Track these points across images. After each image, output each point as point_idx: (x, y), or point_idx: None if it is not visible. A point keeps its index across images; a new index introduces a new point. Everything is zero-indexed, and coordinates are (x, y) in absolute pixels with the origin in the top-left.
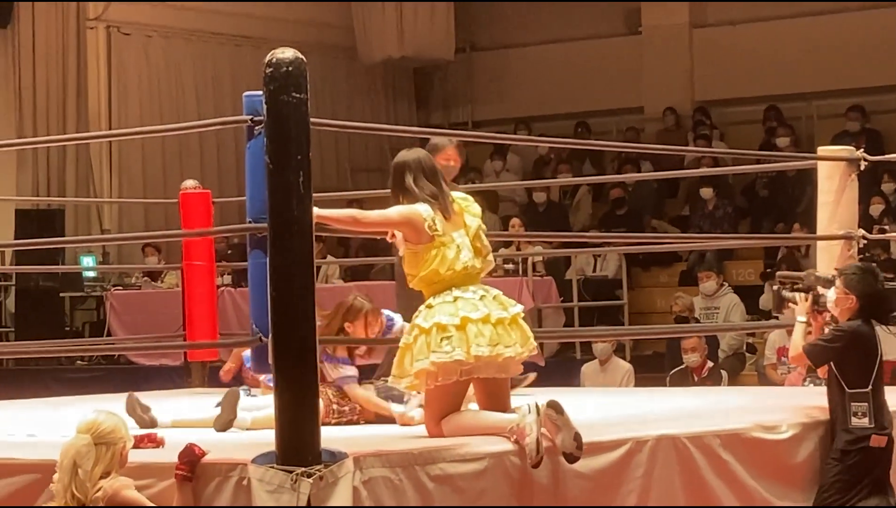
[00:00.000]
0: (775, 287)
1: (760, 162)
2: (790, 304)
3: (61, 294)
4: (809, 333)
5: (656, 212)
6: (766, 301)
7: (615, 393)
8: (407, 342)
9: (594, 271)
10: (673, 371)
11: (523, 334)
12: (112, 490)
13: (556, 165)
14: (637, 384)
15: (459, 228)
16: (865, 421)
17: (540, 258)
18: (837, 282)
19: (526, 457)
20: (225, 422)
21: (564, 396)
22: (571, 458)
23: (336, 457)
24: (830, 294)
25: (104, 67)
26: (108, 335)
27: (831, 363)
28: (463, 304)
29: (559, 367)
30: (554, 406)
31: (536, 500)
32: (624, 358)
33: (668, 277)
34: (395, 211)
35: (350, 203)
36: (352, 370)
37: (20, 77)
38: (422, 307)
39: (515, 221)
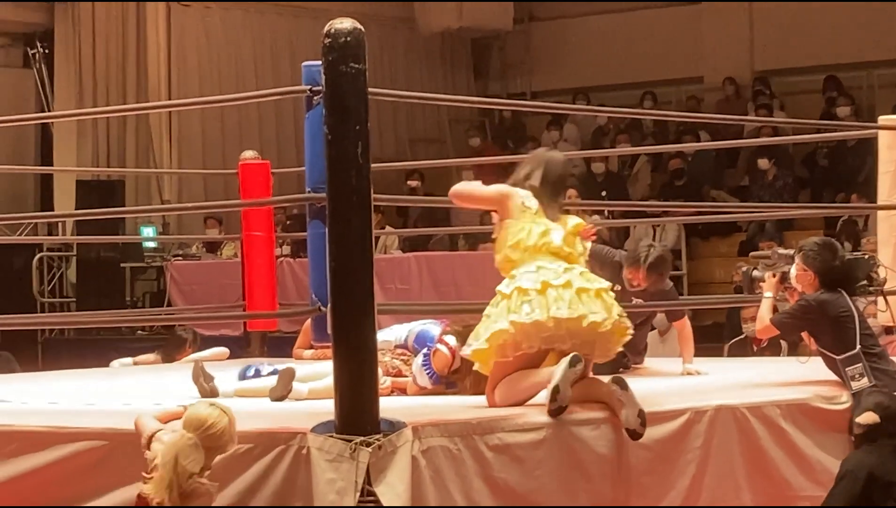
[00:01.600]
0: (744, 268)
1: (820, 132)
2: (760, 283)
3: (122, 265)
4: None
5: (715, 182)
6: None
7: (675, 364)
8: (488, 311)
9: (653, 241)
10: (732, 341)
11: (607, 306)
12: (194, 492)
13: (615, 135)
14: (696, 355)
15: (556, 222)
16: (865, 381)
17: (598, 228)
18: (797, 258)
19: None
20: (278, 396)
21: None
22: (635, 435)
23: (395, 426)
24: (792, 271)
25: (163, 39)
26: (168, 305)
27: (812, 339)
28: (545, 272)
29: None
30: (618, 382)
31: (594, 470)
32: None
33: (727, 247)
34: (493, 188)
35: (409, 174)
36: (428, 382)
37: (80, 50)
38: (506, 279)
39: (571, 191)
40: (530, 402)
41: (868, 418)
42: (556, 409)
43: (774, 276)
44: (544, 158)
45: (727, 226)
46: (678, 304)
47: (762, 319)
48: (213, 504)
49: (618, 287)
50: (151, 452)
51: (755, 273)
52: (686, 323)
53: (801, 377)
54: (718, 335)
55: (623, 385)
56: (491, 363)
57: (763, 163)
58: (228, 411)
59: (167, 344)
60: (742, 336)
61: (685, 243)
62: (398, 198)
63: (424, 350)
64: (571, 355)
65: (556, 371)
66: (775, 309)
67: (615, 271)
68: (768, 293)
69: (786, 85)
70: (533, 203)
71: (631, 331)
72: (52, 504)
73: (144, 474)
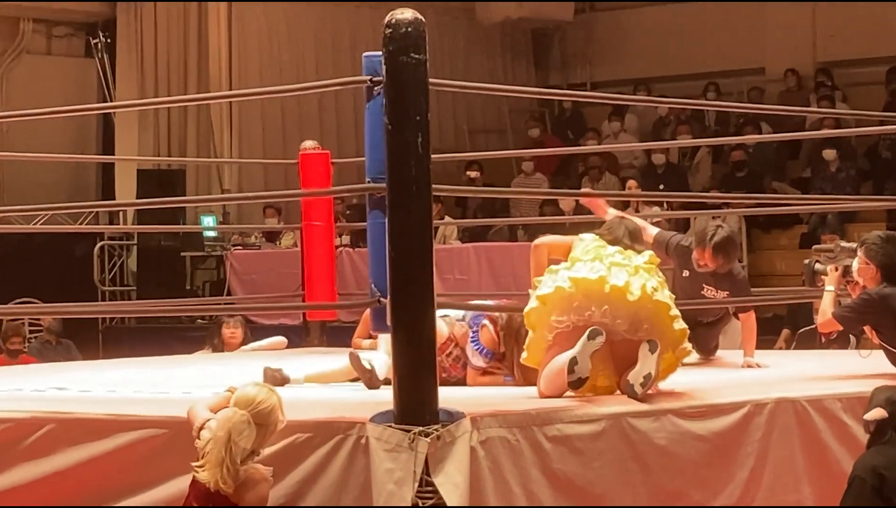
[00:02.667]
0: (807, 261)
1: (883, 124)
2: (822, 276)
3: (182, 254)
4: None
5: (777, 174)
6: None
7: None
8: None
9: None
10: (801, 331)
11: (640, 278)
12: (250, 478)
13: (676, 126)
14: (756, 347)
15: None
16: None
17: (658, 220)
18: (859, 252)
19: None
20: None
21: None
22: (629, 392)
23: (453, 417)
24: (854, 264)
25: (225, 30)
26: (228, 293)
27: (874, 333)
28: (579, 250)
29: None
30: (650, 343)
31: (652, 462)
32: None
33: (788, 239)
34: (567, 239)
35: (468, 164)
36: (482, 360)
37: (142, 40)
38: None
39: (632, 182)
40: (596, 394)
41: (876, 413)
42: (576, 381)
43: (837, 269)
44: (622, 222)
45: (788, 218)
46: (741, 301)
47: (824, 313)
48: (270, 492)
49: (686, 272)
50: (202, 440)
51: (817, 267)
52: (751, 316)
53: (862, 370)
54: (779, 328)
55: (653, 347)
56: (537, 352)
57: (828, 154)
58: (274, 390)
59: (209, 333)
60: (812, 326)
61: (746, 235)
62: (457, 188)
63: (474, 328)
64: (591, 328)
65: (577, 344)
66: (837, 303)
67: (683, 256)
68: (830, 287)
69: (848, 76)
70: (589, 236)
71: (675, 312)
72: (114, 491)
73: (194, 464)
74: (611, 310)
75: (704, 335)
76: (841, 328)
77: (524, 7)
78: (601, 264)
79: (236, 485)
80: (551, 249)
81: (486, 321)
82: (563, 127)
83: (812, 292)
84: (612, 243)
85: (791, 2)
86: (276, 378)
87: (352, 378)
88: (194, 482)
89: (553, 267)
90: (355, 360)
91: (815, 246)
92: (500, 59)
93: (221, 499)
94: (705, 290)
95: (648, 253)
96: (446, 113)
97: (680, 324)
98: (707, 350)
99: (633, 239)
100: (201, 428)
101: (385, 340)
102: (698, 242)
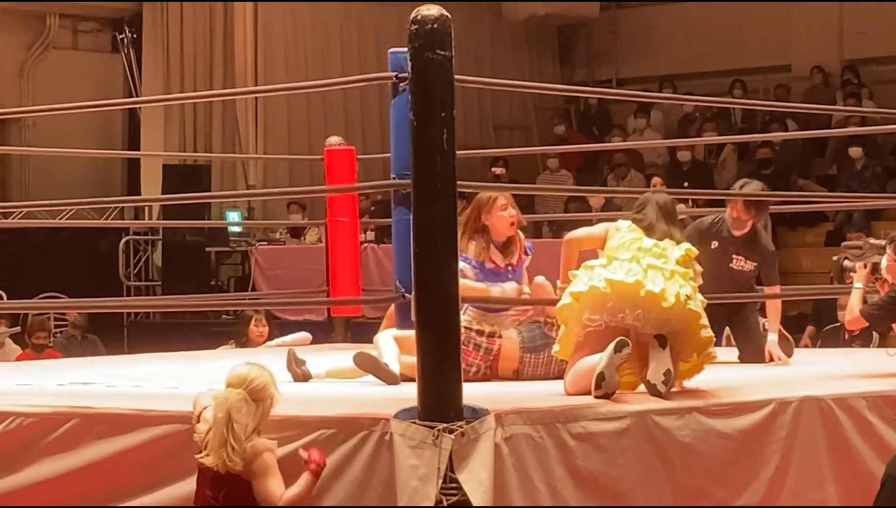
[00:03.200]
0: (835, 258)
1: None
2: (851, 273)
3: (207, 249)
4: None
5: (803, 171)
6: None
7: None
8: None
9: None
10: (826, 328)
11: (677, 284)
12: (254, 451)
13: (702, 123)
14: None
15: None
16: None
17: (684, 217)
18: (888, 249)
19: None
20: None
21: None
22: (653, 390)
23: (478, 414)
24: (883, 262)
25: (251, 25)
26: (253, 289)
27: None
28: (616, 248)
29: None
30: (658, 339)
31: (677, 460)
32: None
33: (814, 237)
34: (600, 229)
35: (494, 161)
36: (466, 265)
37: (168, 35)
38: None
39: (657, 179)
40: (620, 389)
41: None
42: (603, 396)
43: (865, 267)
44: (652, 198)
45: (814, 215)
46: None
47: (852, 310)
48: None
49: (714, 244)
50: (199, 432)
51: (846, 263)
52: (777, 290)
53: (888, 368)
54: (804, 325)
55: (662, 343)
56: (568, 345)
57: (854, 152)
58: (266, 368)
59: (237, 327)
60: (837, 324)
61: (772, 232)
62: (482, 185)
63: None
64: (617, 339)
65: (603, 357)
66: (865, 300)
67: (707, 236)
68: (858, 284)
69: (875, 74)
70: (625, 223)
71: (705, 321)
72: (138, 487)
73: (198, 456)
74: (643, 314)
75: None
76: (867, 325)
77: (550, 4)
78: (638, 267)
79: (244, 462)
80: (583, 242)
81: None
82: (589, 124)
83: (837, 289)
84: (648, 229)
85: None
86: (299, 374)
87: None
88: (201, 471)
89: (589, 262)
90: (290, 358)
91: (843, 243)
92: (525, 56)
93: (233, 479)
94: (734, 261)
95: (686, 246)
96: (472, 109)
97: (707, 332)
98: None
99: (668, 219)
100: (198, 419)
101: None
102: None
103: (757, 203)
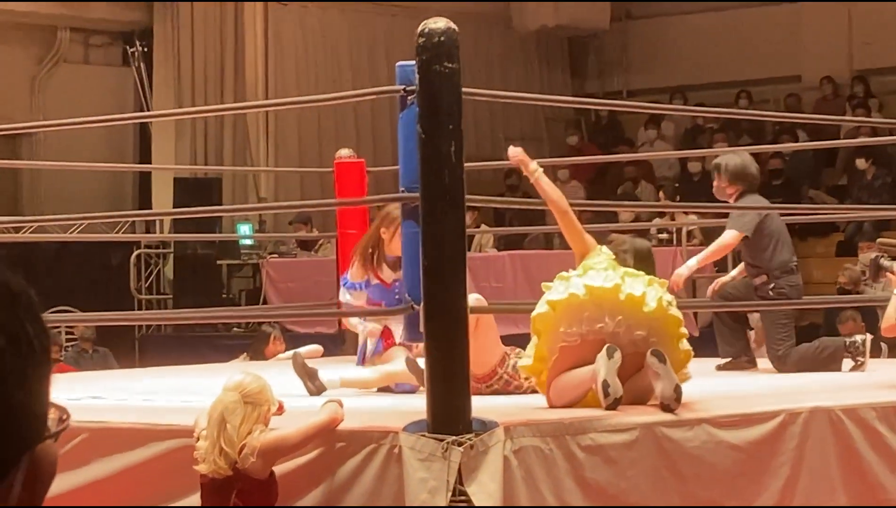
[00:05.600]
0: (872, 256)
1: None
2: (887, 274)
3: (218, 262)
4: None
5: (813, 182)
6: None
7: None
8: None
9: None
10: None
11: (655, 289)
12: (257, 443)
13: (712, 134)
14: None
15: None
16: None
17: (695, 227)
18: None
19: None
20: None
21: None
22: (668, 408)
23: (487, 426)
24: None
25: (261, 38)
26: (264, 302)
27: None
28: (593, 260)
29: (714, 337)
30: (657, 355)
31: (686, 471)
32: None
33: (824, 247)
34: (590, 240)
35: (508, 174)
36: (351, 297)
37: (179, 48)
38: None
39: (661, 194)
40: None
41: None
42: (612, 403)
43: None
44: (632, 245)
45: (825, 226)
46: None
47: (889, 317)
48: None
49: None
50: (198, 448)
51: (883, 262)
52: (730, 236)
53: None
54: (815, 336)
55: (661, 358)
56: (539, 362)
57: (861, 163)
58: (262, 377)
59: (254, 342)
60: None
61: None
62: (489, 198)
63: None
64: (606, 346)
65: (599, 367)
66: None
67: None
68: None
69: (885, 84)
70: (608, 251)
71: (685, 331)
72: (149, 501)
73: (194, 467)
74: (625, 320)
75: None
76: None
77: (560, 15)
78: (615, 274)
79: (242, 463)
80: (574, 227)
81: None
82: (600, 135)
83: (847, 299)
84: (621, 263)
85: (828, 3)
86: (313, 389)
87: (382, 387)
88: (203, 485)
89: (564, 274)
90: (300, 368)
91: (879, 240)
92: (536, 68)
93: (242, 477)
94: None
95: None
96: (482, 121)
97: (685, 345)
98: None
99: (638, 259)
100: (198, 438)
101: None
102: (713, 168)
103: (740, 175)
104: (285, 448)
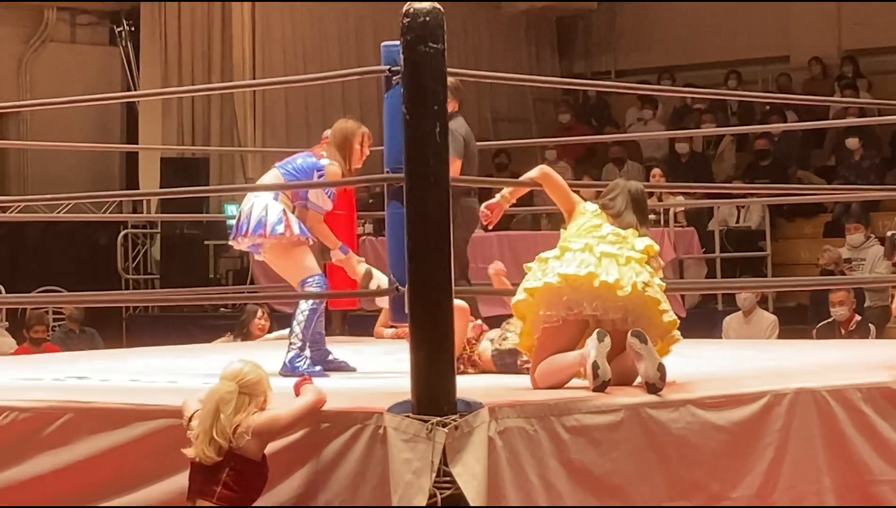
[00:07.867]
0: (890, 233)
1: None
2: None
3: (205, 242)
4: None
5: (801, 163)
6: None
7: (757, 345)
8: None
9: (737, 221)
10: (820, 325)
11: (634, 271)
12: (250, 422)
13: (700, 115)
14: (780, 337)
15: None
16: None
17: (682, 209)
18: None
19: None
20: None
21: (705, 348)
22: (653, 388)
23: (471, 407)
24: None
25: (248, 18)
26: (251, 282)
27: None
28: (573, 235)
29: (701, 318)
30: (637, 335)
31: (671, 452)
32: (767, 310)
33: (812, 228)
34: (574, 197)
35: (496, 153)
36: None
37: (166, 28)
38: None
39: (656, 171)
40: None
41: None
42: (601, 385)
43: None
44: (625, 186)
45: (812, 207)
46: (758, 285)
47: None
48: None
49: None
50: (192, 430)
51: None
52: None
53: (886, 360)
54: (803, 317)
55: (642, 339)
56: (528, 340)
57: (851, 143)
58: (260, 366)
59: (240, 321)
60: (830, 320)
61: (769, 223)
62: (473, 179)
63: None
64: (596, 330)
65: (589, 349)
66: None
67: None
68: None
69: (874, 64)
70: (592, 207)
71: (665, 306)
72: (133, 481)
73: (184, 450)
74: (601, 304)
75: None
76: None
77: None
78: (592, 256)
79: (223, 453)
80: (558, 186)
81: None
82: (588, 115)
83: (836, 281)
84: (615, 217)
85: None
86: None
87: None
88: (194, 465)
89: (543, 254)
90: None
91: None
92: (524, 48)
93: (234, 457)
94: None
95: (648, 241)
96: (470, 101)
97: (669, 316)
98: None
99: (636, 209)
100: (191, 418)
101: None
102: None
103: None
104: (278, 428)
